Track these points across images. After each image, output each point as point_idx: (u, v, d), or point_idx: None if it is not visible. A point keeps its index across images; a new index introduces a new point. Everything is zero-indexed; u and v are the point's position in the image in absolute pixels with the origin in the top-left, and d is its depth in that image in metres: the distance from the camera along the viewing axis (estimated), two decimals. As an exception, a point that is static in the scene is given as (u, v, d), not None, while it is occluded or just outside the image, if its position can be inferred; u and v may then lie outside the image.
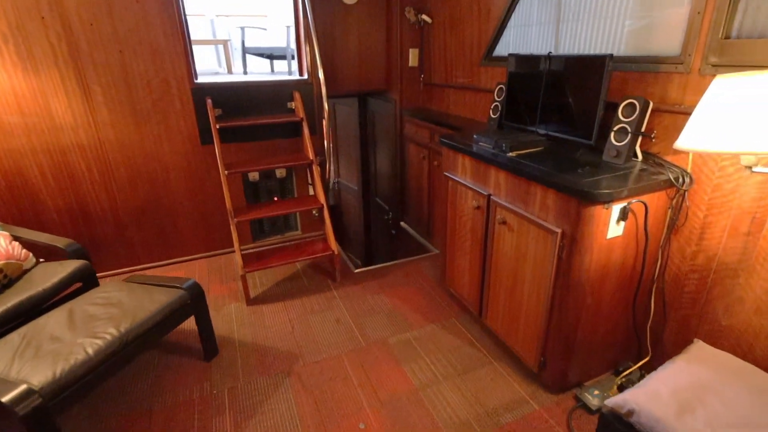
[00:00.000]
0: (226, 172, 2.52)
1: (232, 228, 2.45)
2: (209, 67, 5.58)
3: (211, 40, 5.84)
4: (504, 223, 1.85)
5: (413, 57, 3.19)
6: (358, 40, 3.15)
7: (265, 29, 5.62)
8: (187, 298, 1.89)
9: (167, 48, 2.53)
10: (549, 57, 1.90)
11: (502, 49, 2.54)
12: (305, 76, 2.97)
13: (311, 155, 2.73)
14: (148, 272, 2.87)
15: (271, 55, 4.49)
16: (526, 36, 2.39)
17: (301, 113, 2.82)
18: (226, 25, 6.01)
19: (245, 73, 4.53)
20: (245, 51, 4.59)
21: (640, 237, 1.60)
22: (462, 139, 2.15)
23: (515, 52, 2.43)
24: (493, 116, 2.36)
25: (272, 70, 4.65)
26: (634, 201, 1.49)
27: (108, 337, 1.60)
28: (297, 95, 2.88)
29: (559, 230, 1.55)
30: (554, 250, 1.58)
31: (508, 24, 2.46)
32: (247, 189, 3.08)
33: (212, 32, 5.88)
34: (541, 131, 2.01)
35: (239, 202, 3.03)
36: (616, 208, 1.48)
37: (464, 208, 2.15)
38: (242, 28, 4.59)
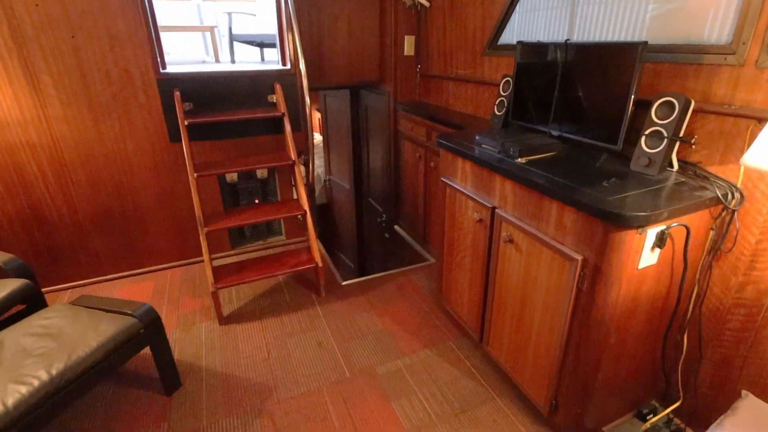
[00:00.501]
0: (195, 174, 2.23)
1: (202, 238, 2.17)
2: (196, 56, 5.25)
3: (196, 27, 5.48)
4: (511, 241, 1.57)
5: (409, 45, 2.89)
6: (348, 26, 2.84)
7: (254, 15, 5.28)
8: (139, 328, 1.61)
9: (128, 33, 2.22)
10: (566, 45, 1.61)
11: (508, 36, 2.24)
12: (288, 66, 2.67)
13: (293, 155, 2.44)
14: (115, 283, 2.59)
15: (262, 43, 4.16)
16: (535, 21, 2.10)
17: (282, 107, 2.52)
18: (213, 10, 5.66)
19: (233, 62, 4.22)
20: (233, 38, 4.27)
21: (677, 264, 1.33)
22: (462, 141, 1.86)
23: (524, 39, 2.13)
24: (497, 113, 2.07)
25: (262, 59, 4.34)
26: (674, 225, 1.21)
27: (35, 383, 1.33)
28: (278, 87, 2.58)
29: (579, 257, 1.27)
30: (572, 279, 1.31)
31: (516, 8, 2.15)
32: (224, 191, 2.79)
33: (199, 18, 5.54)
34: (555, 132, 1.72)
35: (214, 207, 2.75)
36: (652, 233, 1.20)
37: (464, 219, 1.87)
38: (229, 14, 4.27)
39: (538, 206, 1.42)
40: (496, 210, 1.63)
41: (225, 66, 3.07)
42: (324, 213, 4.86)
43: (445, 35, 2.66)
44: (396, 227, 3.39)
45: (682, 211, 1.19)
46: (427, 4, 2.72)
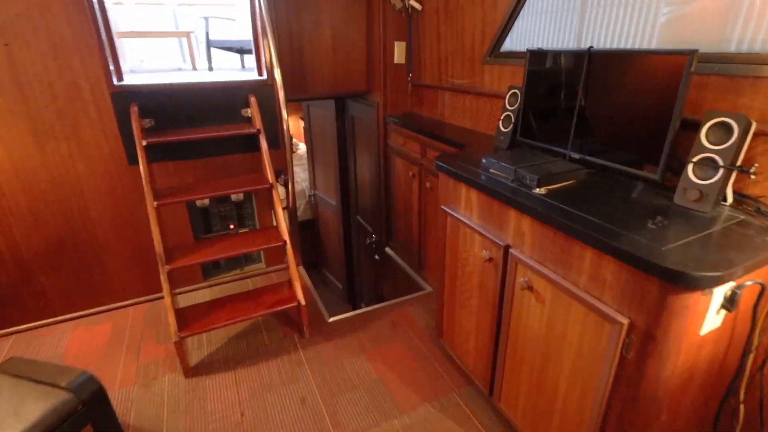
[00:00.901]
0: (155, 202, 1.92)
1: (163, 279, 1.86)
2: (172, 64, 4.94)
3: (171, 33, 5.17)
4: (530, 288, 1.31)
5: (399, 52, 2.63)
6: (331, 31, 2.57)
7: (233, 20, 4.98)
8: (76, 405, 1.30)
9: (74, 41, 1.92)
10: (589, 53, 1.36)
11: (512, 42, 1.99)
12: (264, 76, 2.38)
13: (270, 177, 2.15)
14: (68, 326, 2.26)
15: (241, 49, 3.86)
16: (540, 26, 1.86)
17: (258, 123, 2.23)
18: (190, 15, 5.34)
19: (210, 69, 3.92)
20: (210, 44, 3.97)
21: (740, 324, 1.08)
22: (465, 164, 1.60)
23: (529, 46, 1.88)
24: (503, 129, 1.82)
25: (243, 66, 4.04)
26: (748, 283, 0.96)
27: None
28: (253, 100, 2.29)
29: (624, 321, 1.01)
30: (615, 345, 1.05)
31: (521, 12, 1.91)
32: (194, 217, 2.48)
33: (175, 23, 5.23)
34: (575, 155, 1.47)
35: (182, 236, 2.43)
36: (719, 292, 0.95)
37: (469, 256, 1.60)
38: (206, 19, 3.96)
39: (566, 251, 1.16)
40: (511, 249, 1.37)
41: (193, 76, 2.76)
42: (309, 228, 4.56)
43: (439, 41, 2.41)
44: (387, 249, 3.11)
45: (757, 265, 0.94)
46: (419, 7, 2.46)
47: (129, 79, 2.34)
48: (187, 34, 4.37)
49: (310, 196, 4.27)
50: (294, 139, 5.99)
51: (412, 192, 2.56)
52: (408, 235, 2.76)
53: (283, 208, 2.32)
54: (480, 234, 1.51)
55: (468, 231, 1.58)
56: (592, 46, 1.37)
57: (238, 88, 2.31)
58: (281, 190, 2.53)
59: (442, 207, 1.72)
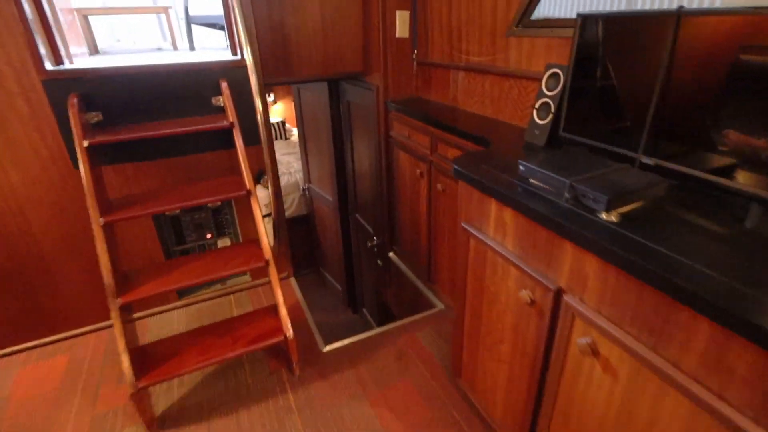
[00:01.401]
0: (102, 219, 1.54)
1: (113, 316, 1.49)
2: (152, 44, 4.49)
3: (147, 8, 4.70)
4: (594, 353, 0.94)
5: (402, 24, 2.19)
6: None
7: (215, -7, 4.50)
8: None
9: (-12, 14, 1.50)
10: (679, 16, 0.95)
11: (548, 6, 1.57)
12: (239, 56, 1.95)
13: (248, 181, 1.75)
14: (16, 360, 1.91)
15: (224, 26, 3.43)
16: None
17: (231, 114, 1.82)
18: (169, -12, 4.81)
19: (192, 48, 3.49)
20: (190, 21, 3.52)
21: None
22: (493, 169, 1.21)
23: (576, 9, 1.45)
24: (539, 121, 1.42)
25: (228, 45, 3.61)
26: None
27: None
28: (225, 86, 1.87)
29: (773, 442, 0.64)
30: (748, 472, 0.68)
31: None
32: (163, 228, 2.10)
33: (153, -1, 4.75)
34: (647, 161, 1.07)
35: (148, 252, 2.06)
36: None
37: (500, 291, 1.23)
38: (184, -9, 3.50)
39: (661, 314, 0.78)
40: (565, 296, 0.99)
41: (157, 58, 2.34)
42: (304, 224, 4.19)
43: (451, 9, 1.97)
44: (391, 255, 2.74)
45: None
46: (425, -34, 2.01)
47: (81, 63, 1.92)
48: (165, 10, 3.91)
49: (304, 189, 3.88)
50: (287, 125, 5.55)
51: (420, 194, 2.16)
52: (415, 242, 2.38)
53: (265, 216, 1.94)
54: (517, 268, 1.13)
55: (499, 260, 1.20)
56: (682, 6, 0.96)
57: (207, 71, 1.90)
58: (264, 193, 2.13)
59: (463, 225, 1.34)
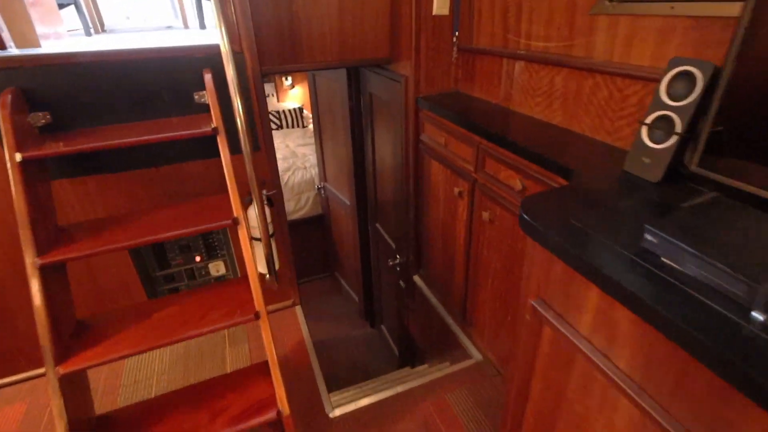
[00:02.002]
0: (38, 260, 1.16)
1: (50, 390, 1.13)
2: (163, 21, 4.13)
3: (152, -19, 4.31)
4: None
5: (440, -2, 1.70)
6: (337, -35, 1.67)
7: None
8: None
9: None
10: None
11: (667, -31, 1.06)
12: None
13: (235, 207, 1.34)
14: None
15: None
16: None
17: (215, 117, 1.39)
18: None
19: (202, 27, 3.10)
20: (200, -4, 3.12)
21: None
22: (589, 227, 0.75)
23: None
24: (651, 144, 0.94)
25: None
26: None
27: None
28: (209, 78, 1.44)
29: None
30: None
31: None
32: (140, 252, 1.72)
33: (163, -29, 4.34)
34: None
35: (121, 283, 1.69)
36: None
37: (597, 420, 0.79)
38: (191, -38, 3.07)
39: None
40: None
41: (118, 41, 1.93)
42: (319, 225, 3.79)
43: (509, -24, 1.47)
44: (416, 277, 2.31)
45: None
46: None
47: (49, 47, 1.54)
48: (172, -16, 3.49)
49: (319, 188, 3.46)
50: (305, 111, 5.11)
51: (457, 217, 1.71)
52: (447, 272, 1.94)
53: (254, 240, 1.54)
54: (635, 403, 0.68)
55: (598, 378, 0.75)
56: None
57: (187, 59, 1.47)
58: (261, 216, 1.72)
59: (534, 303, 0.89)
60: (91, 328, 1.29)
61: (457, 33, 1.77)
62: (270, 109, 5.01)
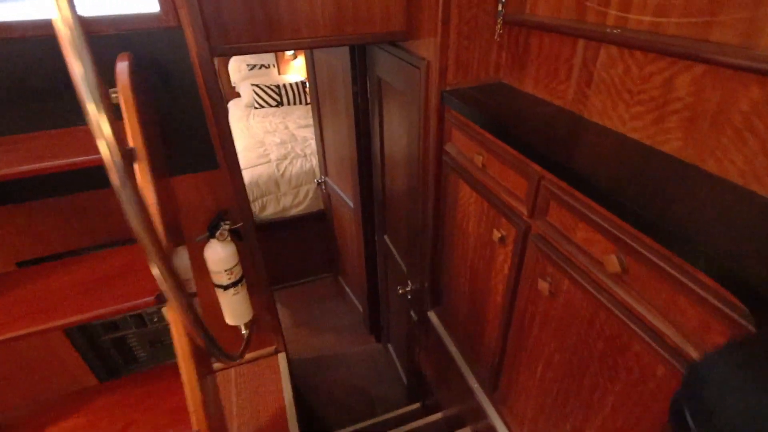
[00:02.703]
0: None
1: None
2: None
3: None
4: None
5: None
6: None
7: None
8: None
9: None
10: None
11: None
12: (157, 10, 0.99)
13: (160, 278, 0.86)
14: None
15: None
16: None
17: (132, 126, 0.90)
18: None
19: None
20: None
21: None
22: None
23: None
24: None
25: None
26: None
27: None
28: (123, 69, 0.93)
29: None
30: None
31: None
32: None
33: None
34: None
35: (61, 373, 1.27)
36: None
37: None
38: None
39: None
40: None
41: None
42: (320, 221, 3.32)
43: None
44: (431, 314, 1.85)
45: None
46: None
47: None
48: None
49: (319, 183, 2.97)
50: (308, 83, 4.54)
51: (495, 268, 1.22)
52: (474, 327, 1.46)
53: (230, 285, 1.09)
54: None
55: None
56: None
57: (94, 37, 0.96)
58: (225, 249, 1.25)
59: None
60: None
61: (502, 0, 1.22)
62: (269, 82, 4.44)
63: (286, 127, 3.85)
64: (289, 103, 4.43)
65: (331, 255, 3.46)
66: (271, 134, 3.70)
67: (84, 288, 0.89)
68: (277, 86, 4.38)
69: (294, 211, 3.25)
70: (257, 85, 4.36)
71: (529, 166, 0.98)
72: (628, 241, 0.74)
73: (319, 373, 2.90)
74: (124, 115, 0.89)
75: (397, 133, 1.71)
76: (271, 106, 4.36)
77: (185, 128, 1.09)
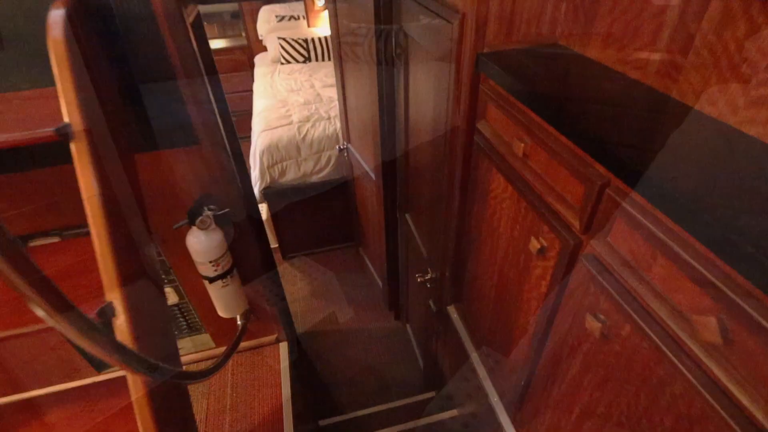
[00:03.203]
0: None
1: None
2: None
3: None
4: None
5: None
6: None
7: None
8: None
9: None
10: None
11: None
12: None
13: (107, 285, 0.69)
14: None
15: None
16: None
17: (66, 101, 0.70)
18: None
19: None
20: None
21: None
22: None
23: None
24: None
25: None
26: None
27: None
28: (57, 18, 0.72)
29: None
30: None
31: None
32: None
33: None
34: None
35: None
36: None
37: None
38: None
39: None
40: None
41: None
42: (342, 190, 3.13)
43: None
44: (451, 310, 1.65)
45: None
46: None
47: None
48: None
49: (341, 149, 2.74)
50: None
51: (530, 282, 0.99)
52: (500, 342, 1.26)
53: (217, 278, 0.94)
54: None
55: None
56: None
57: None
58: (208, 238, 1.08)
59: None
60: None
61: (571, -75, 0.90)
62: (297, 36, 4.14)
63: (312, 86, 3.59)
64: (317, 59, 4.13)
65: (352, 225, 3.29)
66: (295, 93, 3.46)
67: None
68: (305, 40, 4.08)
69: (315, 178, 3.06)
70: (284, 39, 4.06)
71: (589, 166, 0.72)
72: (741, 303, 0.49)
73: (335, 348, 2.82)
74: (57, 81, 0.69)
75: (423, 101, 1.44)
76: (297, 61, 4.08)
77: (153, 96, 0.89)
